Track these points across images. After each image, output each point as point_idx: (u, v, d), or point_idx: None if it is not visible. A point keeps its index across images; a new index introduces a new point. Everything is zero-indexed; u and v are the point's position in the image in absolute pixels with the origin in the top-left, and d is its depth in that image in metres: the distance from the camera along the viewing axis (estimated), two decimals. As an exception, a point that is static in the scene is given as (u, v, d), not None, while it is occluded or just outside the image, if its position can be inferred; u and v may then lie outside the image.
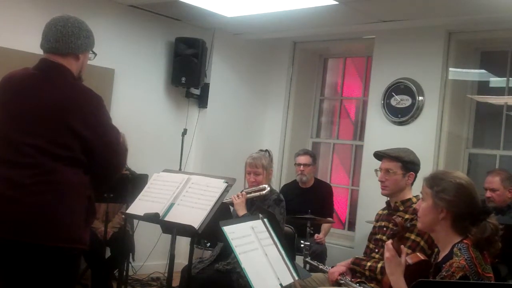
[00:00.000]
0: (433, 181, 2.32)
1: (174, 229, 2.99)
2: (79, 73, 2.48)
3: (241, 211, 3.67)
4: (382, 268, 3.02)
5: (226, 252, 3.66)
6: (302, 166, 5.25)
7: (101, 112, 2.38)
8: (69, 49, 2.41)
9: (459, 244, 2.21)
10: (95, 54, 2.58)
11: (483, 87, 5.39)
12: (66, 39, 2.40)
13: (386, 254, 2.33)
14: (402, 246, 2.35)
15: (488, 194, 4.24)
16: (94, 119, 2.34)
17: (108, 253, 4.62)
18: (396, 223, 2.39)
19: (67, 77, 2.39)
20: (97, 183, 2.44)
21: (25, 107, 2.31)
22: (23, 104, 2.32)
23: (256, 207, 3.69)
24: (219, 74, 6.07)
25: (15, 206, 2.22)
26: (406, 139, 4.93)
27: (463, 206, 2.25)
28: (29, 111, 2.30)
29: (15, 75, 2.43)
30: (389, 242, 2.35)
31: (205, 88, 5.96)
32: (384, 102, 5.42)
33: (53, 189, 2.25)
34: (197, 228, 2.77)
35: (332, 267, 3.33)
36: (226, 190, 2.93)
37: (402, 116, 5.30)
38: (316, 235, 4.96)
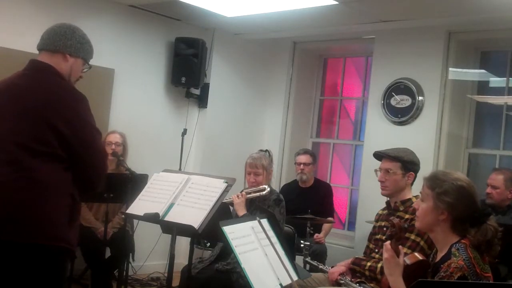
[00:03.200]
0: (434, 182, 2.32)
1: (174, 229, 3.00)
2: (69, 77, 2.48)
3: (241, 211, 3.67)
4: (382, 268, 3.02)
5: (226, 252, 3.66)
6: (302, 165, 5.25)
7: (81, 110, 2.36)
8: (57, 47, 2.44)
9: (457, 244, 2.21)
10: (90, 67, 2.59)
11: (483, 87, 5.39)
12: (56, 37, 2.45)
13: (385, 255, 2.33)
14: (400, 247, 2.35)
15: (489, 190, 4.28)
16: (73, 115, 2.31)
17: (108, 253, 4.62)
18: (394, 224, 2.39)
19: (51, 75, 2.40)
20: (81, 186, 2.40)
21: (7, 104, 2.33)
22: (6, 101, 2.34)
23: (256, 207, 3.69)
24: (219, 74, 6.07)
25: None
26: (406, 139, 4.93)
27: (463, 209, 2.25)
28: (11, 108, 2.31)
29: (5, 79, 2.45)
30: (387, 242, 2.35)
31: (205, 88, 5.96)
32: (384, 102, 5.43)
33: (32, 185, 2.23)
34: (197, 228, 2.78)
35: (332, 267, 3.33)
36: (226, 190, 2.93)
37: (402, 116, 5.30)
38: (316, 234, 4.96)
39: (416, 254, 2.46)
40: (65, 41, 2.45)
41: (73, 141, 2.31)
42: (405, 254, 2.41)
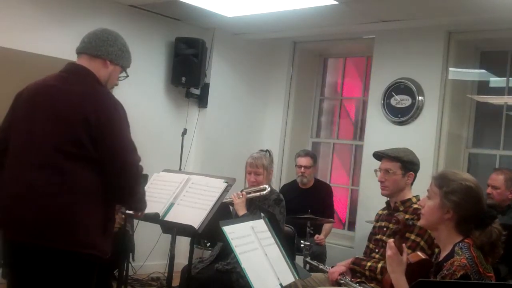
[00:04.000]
0: (443, 181, 2.32)
1: (174, 229, 3.00)
2: (106, 84, 2.48)
3: (241, 210, 3.66)
4: (382, 268, 3.02)
5: (226, 252, 3.66)
6: (302, 168, 5.22)
7: (116, 117, 2.33)
8: (99, 52, 2.43)
9: (460, 243, 2.22)
10: (127, 76, 2.60)
11: (483, 87, 5.39)
12: (98, 42, 2.44)
13: (388, 252, 2.33)
14: (403, 245, 2.35)
15: (489, 190, 4.27)
16: (107, 123, 2.28)
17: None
18: (398, 221, 2.38)
19: (89, 79, 2.39)
20: (114, 195, 2.38)
21: (44, 105, 2.32)
22: (42, 102, 2.32)
23: (256, 206, 3.69)
24: (219, 74, 6.07)
25: (28, 207, 2.21)
26: (406, 139, 4.93)
27: (470, 209, 2.25)
28: (48, 110, 2.30)
29: (40, 81, 2.44)
30: (391, 240, 2.35)
31: (205, 88, 5.96)
32: (384, 102, 5.43)
33: (65, 190, 2.23)
34: (197, 228, 2.78)
35: (332, 267, 3.33)
36: (226, 190, 2.93)
37: (402, 116, 5.30)
38: (316, 235, 4.95)
39: (419, 253, 2.46)
40: (107, 47, 2.45)
41: (103, 147, 2.28)
42: (408, 253, 2.41)
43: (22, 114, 2.36)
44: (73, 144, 2.24)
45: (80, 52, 2.46)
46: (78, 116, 2.25)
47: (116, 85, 2.58)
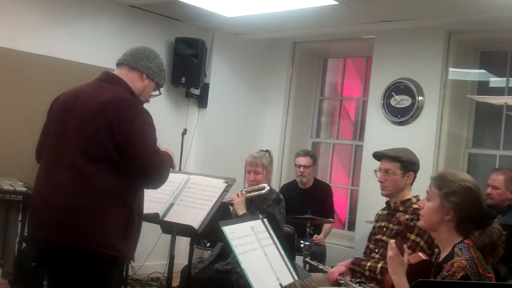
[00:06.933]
0: (442, 182, 2.31)
1: (174, 229, 3.00)
2: (139, 96, 2.54)
3: (241, 210, 3.67)
4: (382, 268, 3.02)
5: (226, 252, 3.66)
6: (302, 168, 5.23)
7: (139, 122, 2.37)
8: (138, 66, 2.55)
9: (460, 244, 2.21)
10: (159, 94, 2.72)
11: (483, 87, 5.39)
12: (139, 56, 2.58)
13: (389, 253, 2.33)
14: (404, 246, 2.35)
15: (489, 190, 4.26)
16: (129, 126, 2.33)
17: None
18: (400, 222, 2.38)
19: (122, 87, 2.46)
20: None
21: (74, 109, 2.40)
22: (73, 107, 2.41)
23: (256, 206, 3.69)
24: (219, 74, 6.07)
25: (52, 207, 2.30)
26: (406, 139, 4.93)
27: (469, 210, 2.25)
28: (77, 114, 2.38)
29: (76, 87, 2.52)
30: (392, 241, 2.35)
31: (205, 88, 5.97)
32: (384, 102, 5.43)
33: (85, 191, 2.28)
34: (197, 228, 2.78)
35: (332, 267, 3.33)
36: (226, 190, 2.93)
37: (402, 116, 5.30)
38: (315, 236, 4.94)
39: (420, 254, 2.46)
40: (146, 62, 2.58)
41: (126, 153, 2.32)
42: (409, 253, 2.41)
43: (55, 119, 2.46)
44: (96, 147, 2.31)
45: (120, 63, 2.60)
46: (102, 121, 2.31)
47: (148, 101, 2.66)
